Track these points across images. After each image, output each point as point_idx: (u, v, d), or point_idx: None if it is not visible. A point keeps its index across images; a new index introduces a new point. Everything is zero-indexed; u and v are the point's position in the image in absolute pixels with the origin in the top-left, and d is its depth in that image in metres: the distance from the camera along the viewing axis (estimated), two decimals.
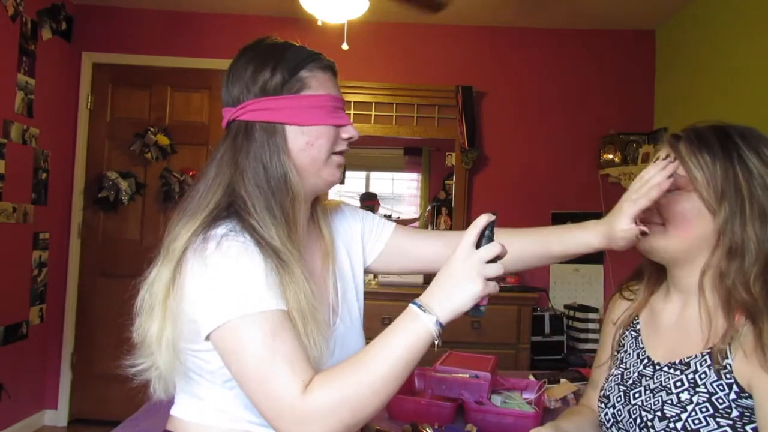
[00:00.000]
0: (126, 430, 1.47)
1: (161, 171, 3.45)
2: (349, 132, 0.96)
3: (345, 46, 2.79)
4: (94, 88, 3.49)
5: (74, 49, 3.43)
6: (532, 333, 3.03)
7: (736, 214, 0.88)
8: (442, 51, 3.56)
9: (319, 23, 2.80)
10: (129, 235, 3.46)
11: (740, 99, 2.63)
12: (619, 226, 0.93)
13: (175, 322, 0.84)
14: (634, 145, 3.36)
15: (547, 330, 3.12)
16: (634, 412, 0.95)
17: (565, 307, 3.33)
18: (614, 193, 3.41)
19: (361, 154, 3.77)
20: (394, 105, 3.52)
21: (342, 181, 3.72)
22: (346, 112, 3.76)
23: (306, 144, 0.92)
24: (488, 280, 0.78)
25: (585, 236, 1.02)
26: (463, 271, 0.78)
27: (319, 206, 1.07)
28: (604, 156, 3.43)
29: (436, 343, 0.78)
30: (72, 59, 3.43)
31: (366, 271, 1.14)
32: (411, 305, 0.80)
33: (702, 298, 0.94)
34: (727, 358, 0.87)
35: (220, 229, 0.83)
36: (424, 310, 0.78)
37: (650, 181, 0.90)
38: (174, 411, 0.95)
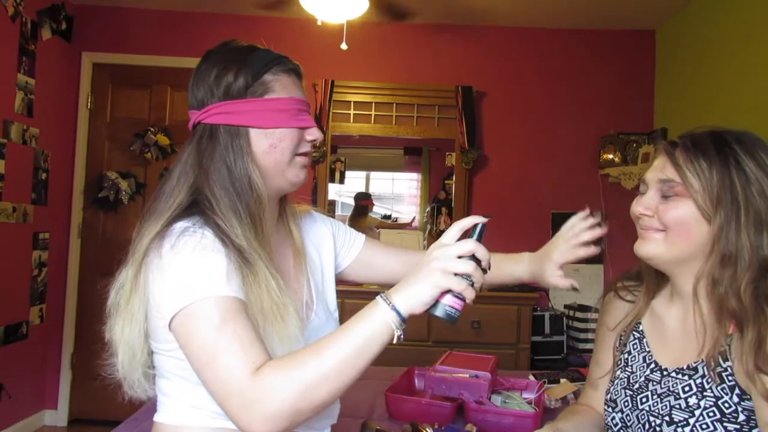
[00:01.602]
0: (126, 430, 1.47)
1: (161, 171, 3.45)
2: (313, 134, 0.97)
3: (344, 46, 2.80)
4: (94, 88, 3.49)
5: (74, 49, 3.43)
6: (532, 333, 3.03)
7: (731, 220, 0.87)
8: (442, 51, 3.55)
9: (319, 23, 2.81)
10: (129, 235, 3.39)
11: (740, 99, 2.63)
12: (547, 273, 1.04)
13: (136, 322, 0.87)
14: (634, 145, 3.36)
15: (547, 330, 3.12)
16: (642, 417, 0.95)
17: (565, 307, 3.33)
18: (614, 193, 3.41)
19: (361, 154, 3.78)
20: (394, 105, 3.52)
21: (342, 181, 3.72)
22: (347, 112, 3.79)
23: (269, 146, 0.93)
24: (456, 275, 0.74)
25: (516, 270, 1.10)
26: (426, 261, 0.76)
27: (288, 207, 1.08)
28: (604, 156, 3.43)
29: (397, 335, 0.75)
30: (72, 59, 3.42)
31: (337, 278, 1.16)
32: (377, 296, 0.78)
33: (696, 305, 0.94)
34: (728, 360, 0.88)
35: (179, 226, 0.85)
36: (384, 299, 0.76)
37: (579, 237, 1.02)
38: (156, 417, 0.96)
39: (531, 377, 1.92)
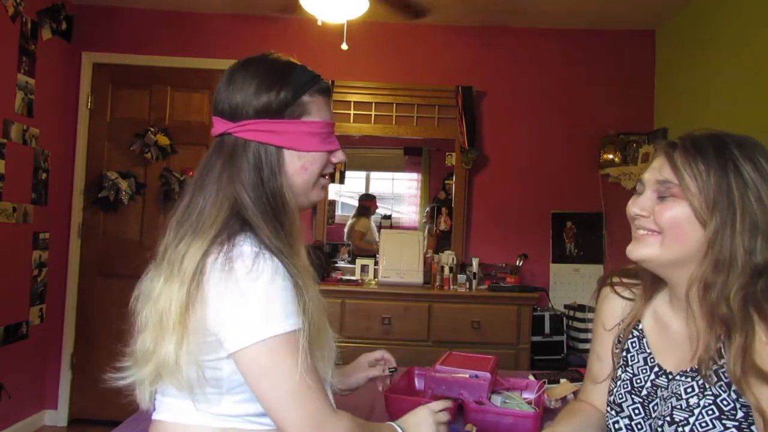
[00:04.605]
0: (126, 430, 1.47)
1: (161, 171, 3.45)
2: (338, 157, 1.01)
3: (345, 46, 2.79)
4: (94, 88, 3.49)
5: (74, 49, 3.43)
6: (532, 333, 3.03)
7: (727, 225, 0.86)
8: (442, 51, 3.55)
9: (319, 23, 2.80)
10: (129, 235, 3.46)
11: (740, 99, 2.63)
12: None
13: (197, 341, 0.86)
14: (634, 145, 3.36)
15: (547, 330, 3.12)
16: (655, 424, 0.95)
17: (565, 307, 3.33)
18: (614, 193, 3.42)
19: (361, 154, 3.77)
20: (394, 105, 3.52)
21: (342, 181, 3.72)
22: (347, 112, 3.79)
23: (301, 168, 0.96)
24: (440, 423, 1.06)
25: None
26: (431, 423, 1.08)
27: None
28: (604, 156, 3.43)
29: None
30: (72, 59, 3.42)
31: None
32: (394, 425, 1.05)
33: (689, 310, 0.94)
34: (723, 357, 0.88)
35: (247, 248, 0.84)
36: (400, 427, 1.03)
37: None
38: (157, 415, 0.95)
39: (531, 377, 1.92)
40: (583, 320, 3.17)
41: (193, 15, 3.51)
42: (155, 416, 0.96)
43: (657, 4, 3.17)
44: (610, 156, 3.41)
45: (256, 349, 0.82)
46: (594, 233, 3.47)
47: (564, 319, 3.18)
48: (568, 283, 3.48)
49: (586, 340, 3.14)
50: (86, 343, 3.40)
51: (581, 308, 3.23)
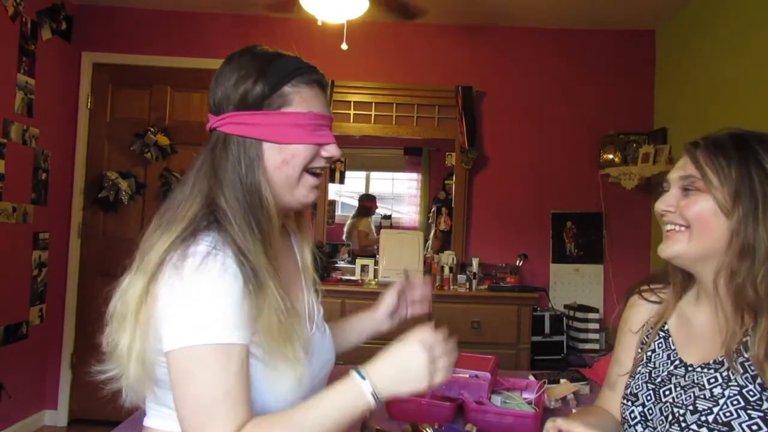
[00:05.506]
0: (126, 430, 1.47)
1: (161, 171, 3.45)
2: (329, 151, 0.94)
3: (344, 46, 2.79)
4: (94, 88, 3.49)
5: (74, 49, 3.43)
6: (532, 333, 3.03)
7: (750, 214, 0.90)
8: (442, 51, 3.55)
9: (319, 23, 2.80)
10: (129, 235, 3.46)
11: (740, 99, 2.63)
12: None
13: (145, 335, 0.83)
14: (634, 145, 3.36)
15: (547, 330, 3.12)
16: (666, 409, 0.96)
17: (565, 307, 3.33)
18: (614, 193, 3.41)
19: (361, 154, 3.78)
20: (394, 105, 3.52)
21: (342, 181, 3.73)
22: (347, 112, 3.77)
23: (282, 162, 0.90)
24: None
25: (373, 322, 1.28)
26: (419, 365, 0.82)
27: (291, 223, 1.07)
28: (604, 156, 3.43)
29: (372, 407, 0.82)
30: (72, 59, 3.42)
31: None
32: (353, 372, 0.82)
33: (717, 299, 0.96)
34: (749, 350, 0.90)
35: (202, 247, 0.82)
36: (363, 377, 0.81)
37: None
38: (147, 422, 0.94)
39: (531, 377, 1.92)
40: (583, 320, 3.17)
41: (193, 15, 3.51)
42: (144, 422, 0.95)
43: (657, 4, 3.17)
44: (610, 156, 3.40)
45: (185, 352, 0.79)
46: (594, 233, 3.46)
47: (564, 319, 3.18)
48: (568, 283, 3.48)
49: (586, 340, 3.14)
50: (86, 343, 3.40)
51: (581, 308, 3.24)
